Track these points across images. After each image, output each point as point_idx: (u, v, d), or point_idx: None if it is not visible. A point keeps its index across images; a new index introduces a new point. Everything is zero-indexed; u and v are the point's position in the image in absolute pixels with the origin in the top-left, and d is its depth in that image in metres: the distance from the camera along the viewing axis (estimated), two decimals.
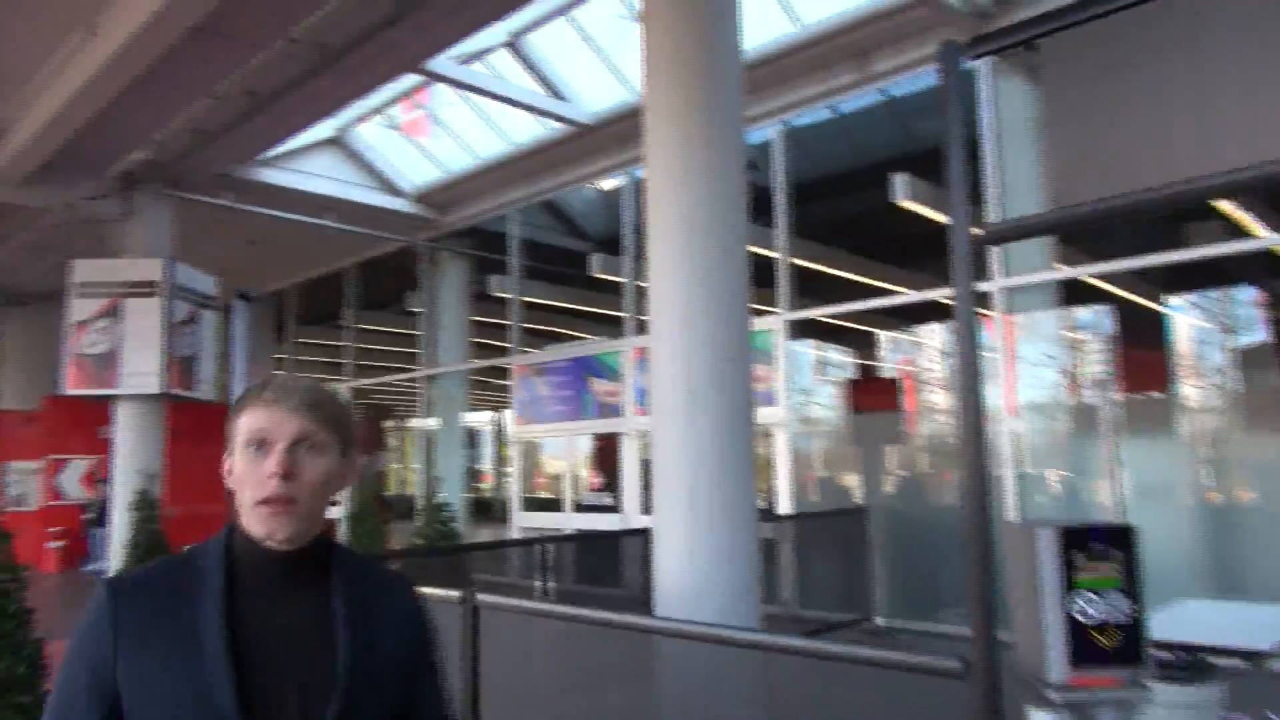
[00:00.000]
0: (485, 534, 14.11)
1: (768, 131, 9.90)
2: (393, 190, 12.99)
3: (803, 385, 10.76)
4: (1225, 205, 7.88)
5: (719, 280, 5.24)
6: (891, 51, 8.69)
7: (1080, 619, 1.81)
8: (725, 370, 5.13)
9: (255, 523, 1.19)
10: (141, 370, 10.88)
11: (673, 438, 5.11)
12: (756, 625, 4.96)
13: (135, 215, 10.93)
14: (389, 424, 18.68)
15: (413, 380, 14.78)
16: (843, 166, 11.11)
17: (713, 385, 5.04)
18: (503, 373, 13.46)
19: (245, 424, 1.22)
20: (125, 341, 10.93)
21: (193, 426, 13.57)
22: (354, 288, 15.66)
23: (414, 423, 15.90)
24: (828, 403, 11.94)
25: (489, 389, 16.93)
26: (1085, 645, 1.81)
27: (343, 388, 15.52)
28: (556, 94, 10.35)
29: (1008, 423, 8.00)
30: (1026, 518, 7.69)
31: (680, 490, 5.02)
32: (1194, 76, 1.86)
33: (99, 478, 15.11)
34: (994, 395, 8.19)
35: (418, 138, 12.72)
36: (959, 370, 2.02)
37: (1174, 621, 4.11)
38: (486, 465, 22.29)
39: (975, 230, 2.27)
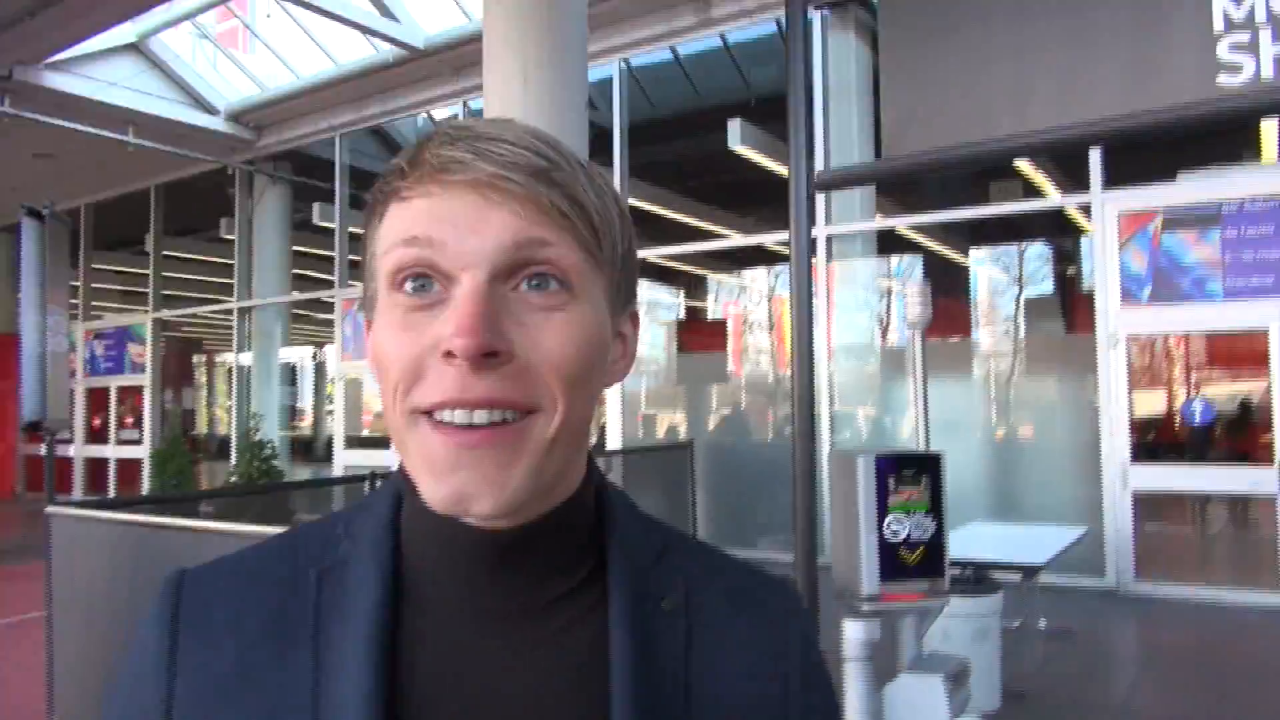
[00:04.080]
0: (306, 473, 13.64)
1: (608, 69, 9.85)
2: (204, 107, 12.04)
3: None
4: (1024, 166, 8.57)
5: None
6: None
7: (890, 538, 1.99)
8: None
9: (422, 471, 0.52)
10: None
11: None
12: None
13: None
14: (197, 359, 17.57)
15: (226, 312, 13.92)
16: (681, 110, 11.23)
17: None
18: (325, 306, 12.91)
19: (390, 231, 0.53)
20: None
21: None
22: (160, 211, 14.47)
23: (226, 357, 15.02)
24: (656, 343, 12.20)
25: (310, 323, 16.22)
26: (894, 562, 2.00)
27: (146, 320, 14.41)
28: (388, 13, 9.86)
29: (824, 364, 8.48)
30: (836, 450, 8.27)
31: None
32: (1014, 39, 2.02)
33: None
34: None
35: (232, 51, 11.82)
36: (794, 311, 2.14)
37: (963, 541, 4.56)
38: (306, 403, 21.45)
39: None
